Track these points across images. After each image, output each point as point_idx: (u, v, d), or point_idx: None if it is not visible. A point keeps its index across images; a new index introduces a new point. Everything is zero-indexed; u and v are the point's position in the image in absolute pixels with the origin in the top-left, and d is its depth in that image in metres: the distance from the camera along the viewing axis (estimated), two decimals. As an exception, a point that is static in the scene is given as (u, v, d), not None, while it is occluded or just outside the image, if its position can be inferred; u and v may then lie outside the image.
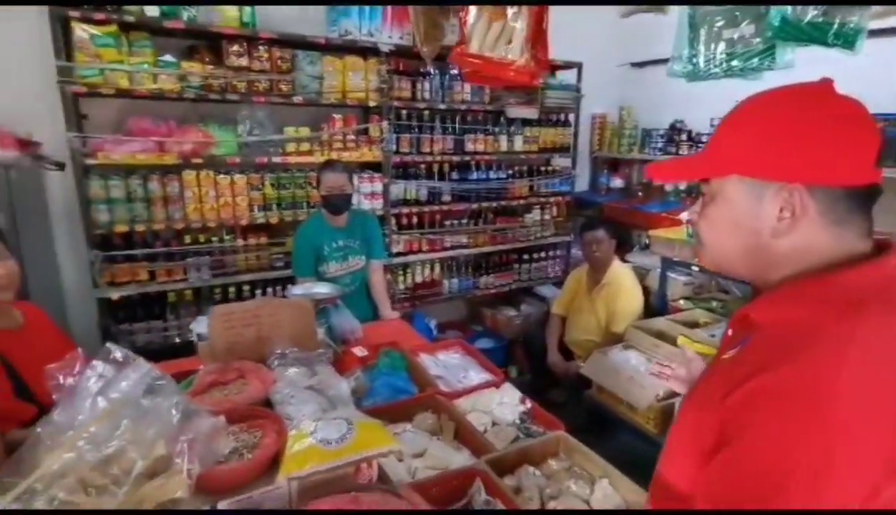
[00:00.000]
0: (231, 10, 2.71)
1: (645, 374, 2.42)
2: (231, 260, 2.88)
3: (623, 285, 2.98)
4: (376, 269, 2.72)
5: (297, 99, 2.90)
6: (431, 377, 1.91)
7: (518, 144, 3.71)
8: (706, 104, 2.71)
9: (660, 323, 2.74)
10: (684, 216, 3.01)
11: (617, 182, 4.42)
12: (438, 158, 3.41)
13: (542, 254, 4.04)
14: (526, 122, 3.73)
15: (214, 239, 2.83)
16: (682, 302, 3.09)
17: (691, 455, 0.71)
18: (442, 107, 3.36)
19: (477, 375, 1.96)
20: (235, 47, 2.70)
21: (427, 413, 1.71)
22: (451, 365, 2.05)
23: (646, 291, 3.12)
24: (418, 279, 3.52)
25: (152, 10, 2.55)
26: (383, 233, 3.20)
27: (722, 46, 1.80)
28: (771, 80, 1.07)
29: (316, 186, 2.58)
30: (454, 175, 3.50)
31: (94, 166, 2.57)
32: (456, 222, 3.58)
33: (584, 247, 3.08)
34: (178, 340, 2.70)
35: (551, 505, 1.32)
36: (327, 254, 2.57)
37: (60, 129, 2.46)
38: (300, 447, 1.25)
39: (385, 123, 3.15)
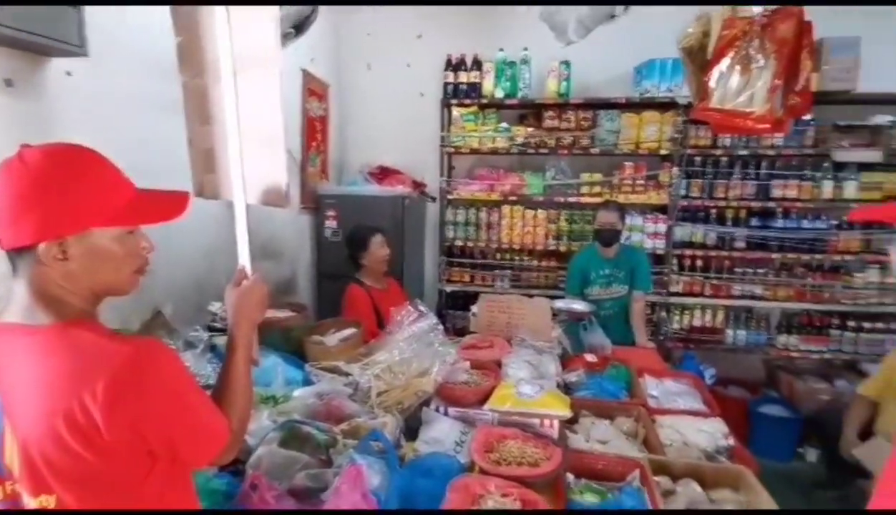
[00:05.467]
0: (552, 85, 3.52)
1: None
2: (526, 277, 3.67)
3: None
4: (638, 299, 2.97)
5: (595, 150, 3.47)
6: (646, 393, 2.12)
7: (850, 191, 3.19)
8: None
9: None
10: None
11: None
12: (734, 204, 3.33)
13: (879, 325, 3.26)
14: (864, 167, 3.17)
15: (516, 258, 3.68)
16: None
17: None
18: (744, 152, 3.29)
19: (688, 403, 2.05)
20: (550, 113, 3.50)
21: (629, 419, 1.98)
22: (669, 391, 2.18)
23: None
24: (696, 322, 3.48)
25: (500, 93, 3.61)
26: (660, 272, 3.38)
27: None
28: None
29: (592, 221, 3.08)
30: (753, 222, 3.33)
31: (452, 200, 3.80)
32: (750, 271, 3.37)
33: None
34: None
35: None
36: (593, 278, 3.01)
37: (436, 176, 3.78)
38: (505, 392, 1.83)
39: (675, 169, 3.35)
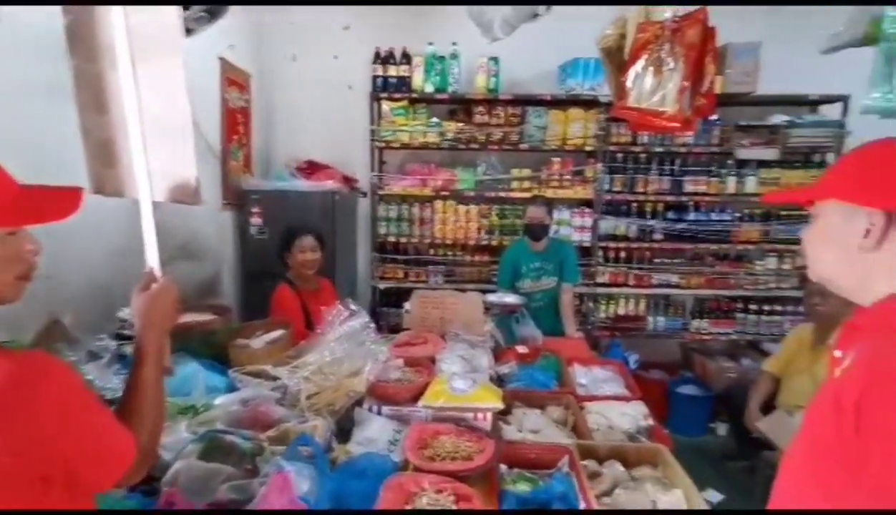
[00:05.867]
0: (482, 81, 3.56)
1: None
2: (460, 271, 3.70)
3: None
4: (566, 291, 3.08)
5: (524, 146, 3.55)
6: (575, 382, 2.20)
7: (750, 186, 3.49)
8: None
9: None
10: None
11: None
12: (652, 198, 3.53)
13: (777, 308, 3.60)
14: (763, 164, 3.47)
15: (450, 253, 3.70)
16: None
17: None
18: (659, 149, 3.50)
19: (613, 389, 2.16)
20: (480, 108, 3.54)
21: (559, 407, 2.04)
22: (596, 378, 2.28)
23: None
24: (621, 311, 3.67)
25: (429, 87, 3.59)
26: (588, 264, 3.53)
27: (929, 79, 1.60)
28: None
29: (522, 216, 3.15)
30: (669, 215, 3.55)
31: (384, 196, 3.75)
32: (667, 261, 3.60)
33: (805, 301, 2.75)
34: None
35: (617, 492, 1.52)
36: (524, 272, 3.09)
37: (367, 171, 3.72)
38: (438, 388, 1.82)
39: (599, 165, 3.49)
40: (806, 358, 2.73)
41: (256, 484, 1.28)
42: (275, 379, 1.88)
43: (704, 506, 1.43)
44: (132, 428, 0.88)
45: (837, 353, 0.86)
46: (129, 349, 1.83)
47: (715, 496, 2.88)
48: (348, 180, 3.75)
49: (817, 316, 2.69)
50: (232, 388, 1.81)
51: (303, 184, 3.50)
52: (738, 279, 3.60)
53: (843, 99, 3.35)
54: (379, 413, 1.77)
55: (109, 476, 0.87)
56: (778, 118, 3.41)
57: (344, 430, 1.67)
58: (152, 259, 1.09)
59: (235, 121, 3.41)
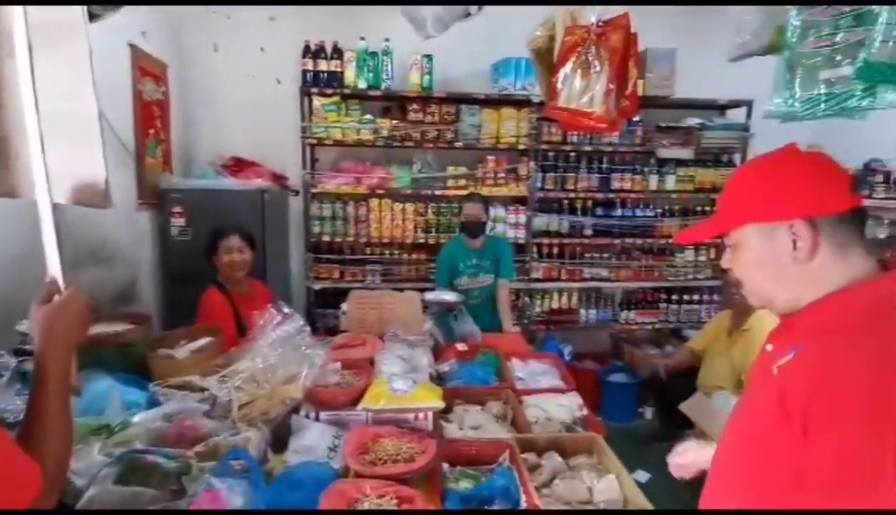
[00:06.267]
0: (415, 78, 3.53)
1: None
2: (397, 270, 3.67)
3: (766, 333, 2.77)
4: (503, 287, 3.14)
5: (459, 144, 3.57)
6: (513, 376, 2.25)
7: (670, 184, 3.73)
8: None
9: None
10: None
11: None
12: (582, 195, 3.68)
13: (696, 297, 3.87)
14: (681, 163, 3.72)
15: (386, 252, 3.66)
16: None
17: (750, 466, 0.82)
18: (588, 148, 3.65)
19: (549, 381, 2.22)
20: (414, 106, 3.52)
21: (498, 402, 2.07)
22: (534, 371, 2.34)
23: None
24: (555, 305, 3.80)
25: (362, 83, 3.52)
26: (523, 260, 3.61)
27: (822, 88, 1.77)
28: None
29: (459, 213, 3.17)
30: (598, 211, 3.71)
31: (316, 194, 3.64)
32: (597, 256, 3.77)
33: (723, 290, 2.97)
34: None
35: (556, 482, 1.56)
36: (461, 269, 3.11)
37: (299, 168, 3.59)
38: (378, 390, 1.79)
39: (532, 163, 3.59)
40: (723, 343, 2.96)
41: (183, 506, 1.20)
42: (202, 390, 1.77)
43: (635, 488, 1.51)
44: (36, 455, 0.80)
45: (769, 347, 0.89)
46: (30, 366, 1.65)
47: (644, 475, 3.05)
48: (278, 178, 3.60)
49: (734, 304, 2.91)
50: (154, 403, 1.69)
51: (229, 182, 3.32)
52: (661, 271, 3.83)
53: (748, 103, 3.65)
54: (317, 419, 1.71)
55: (12, 509, 0.78)
56: (692, 120, 3.66)
57: (280, 440, 1.61)
58: (54, 267, 0.98)
59: (151, 115, 3.18)
